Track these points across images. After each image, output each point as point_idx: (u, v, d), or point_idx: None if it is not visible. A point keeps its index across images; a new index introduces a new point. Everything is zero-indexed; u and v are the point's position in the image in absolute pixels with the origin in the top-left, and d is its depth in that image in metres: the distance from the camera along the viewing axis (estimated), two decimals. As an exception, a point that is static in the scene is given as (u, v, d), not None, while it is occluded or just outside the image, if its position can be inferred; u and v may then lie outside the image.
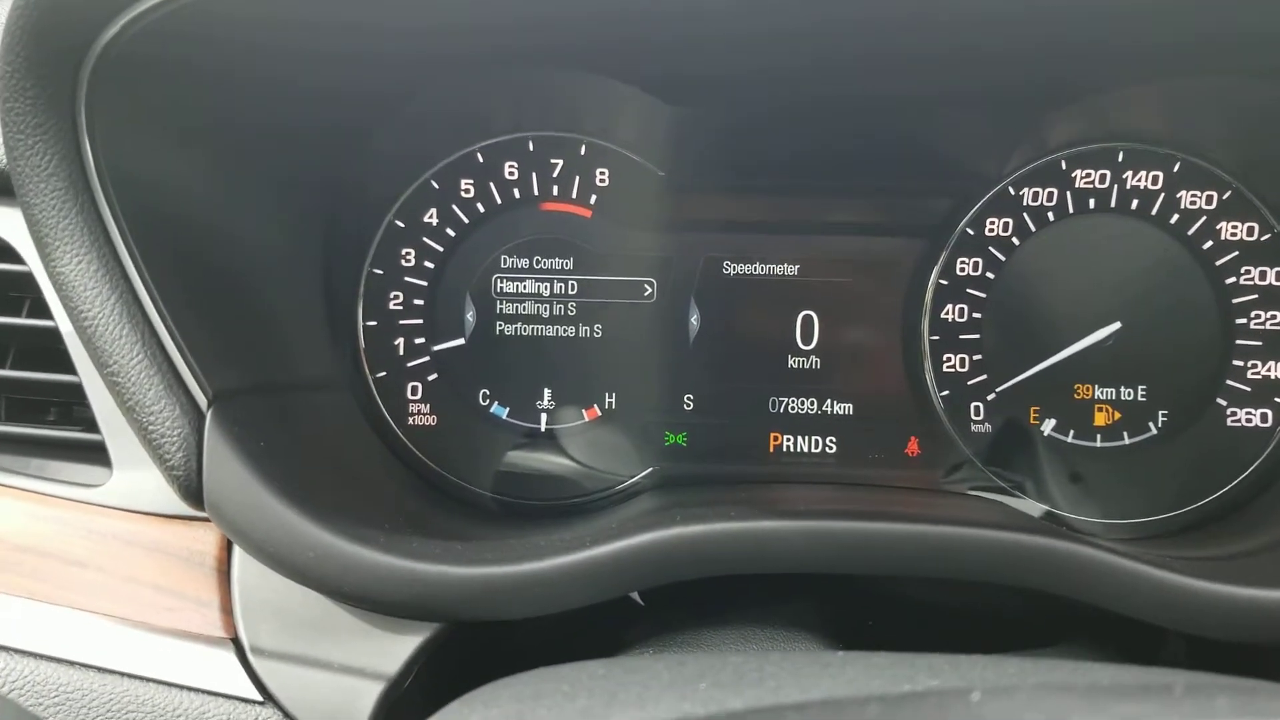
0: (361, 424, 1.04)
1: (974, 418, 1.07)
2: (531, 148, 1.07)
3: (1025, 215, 1.06)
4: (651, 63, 0.95)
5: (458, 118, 1.05)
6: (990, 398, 1.07)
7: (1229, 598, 0.76)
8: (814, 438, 1.08)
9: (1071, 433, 1.06)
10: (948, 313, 1.07)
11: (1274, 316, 1.04)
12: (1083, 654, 0.90)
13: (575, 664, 0.58)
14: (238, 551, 0.82)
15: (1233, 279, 1.04)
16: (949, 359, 1.07)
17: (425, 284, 1.07)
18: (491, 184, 1.07)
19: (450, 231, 1.08)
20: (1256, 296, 1.04)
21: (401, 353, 1.07)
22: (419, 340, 1.08)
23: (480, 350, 1.08)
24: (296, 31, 0.79)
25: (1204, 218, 1.04)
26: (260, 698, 0.78)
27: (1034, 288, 1.06)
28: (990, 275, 1.07)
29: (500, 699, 0.54)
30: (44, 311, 0.89)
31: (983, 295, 1.07)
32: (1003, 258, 1.07)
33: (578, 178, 1.07)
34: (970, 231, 1.07)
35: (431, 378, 1.08)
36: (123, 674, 0.79)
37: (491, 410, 1.08)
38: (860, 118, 1.05)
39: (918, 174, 1.07)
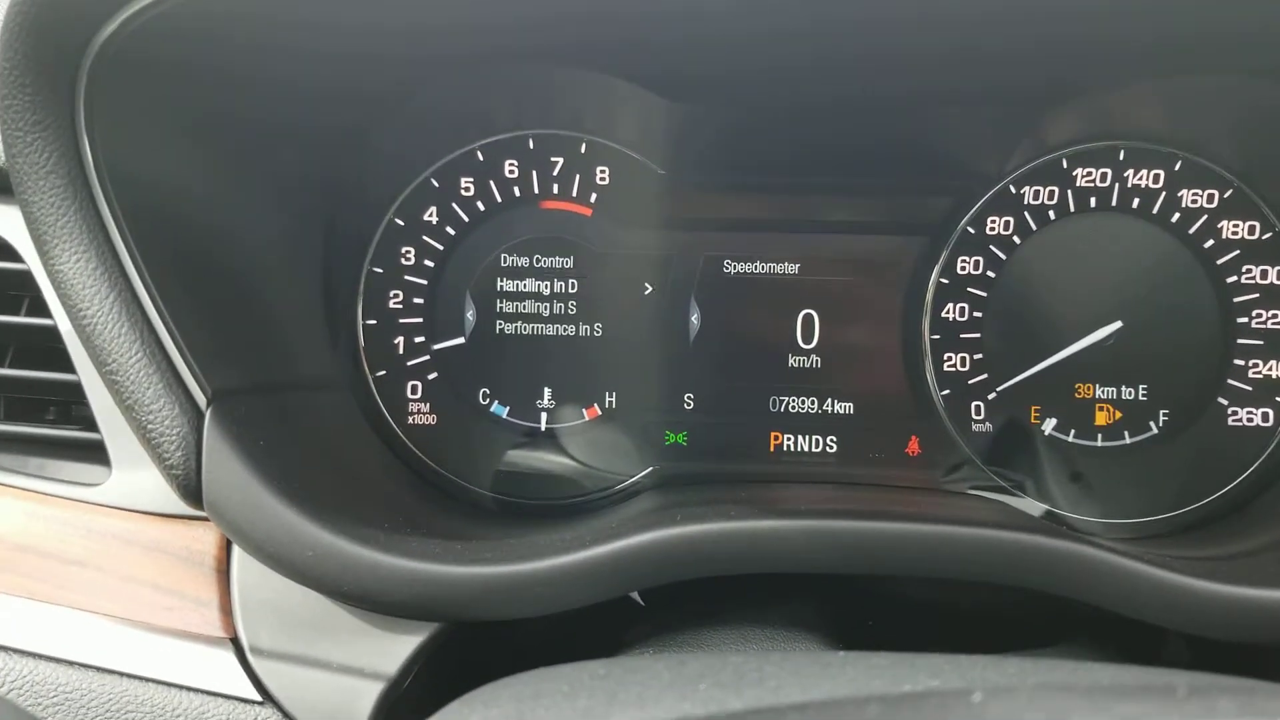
0: (361, 423, 1.04)
1: (974, 417, 1.07)
2: (532, 146, 1.07)
3: (1026, 214, 1.06)
4: (652, 62, 0.95)
5: (458, 116, 1.05)
6: (991, 397, 1.06)
7: (1230, 598, 0.76)
8: (814, 437, 1.07)
9: (1072, 432, 1.06)
10: (948, 312, 1.07)
11: (1275, 315, 1.04)
12: (1083, 654, 0.90)
13: (575, 664, 0.58)
14: (237, 551, 0.82)
15: (1234, 278, 1.04)
16: (949, 358, 1.07)
17: (425, 283, 1.07)
18: (491, 182, 1.07)
19: (450, 230, 1.07)
20: (1257, 295, 1.04)
21: (401, 352, 1.07)
22: (419, 339, 1.07)
23: (480, 349, 1.08)
24: (296, 30, 0.79)
25: (1205, 216, 1.04)
26: (259, 698, 0.78)
27: (1035, 287, 1.06)
28: (991, 274, 1.07)
29: (500, 699, 0.54)
30: (43, 310, 0.89)
31: (983, 294, 1.07)
32: (1004, 256, 1.07)
33: (578, 176, 1.07)
34: (971, 230, 1.07)
35: (431, 377, 1.08)
36: (122, 674, 0.78)
37: (491, 409, 1.08)
38: (861, 116, 1.04)
39: (918, 173, 1.07)
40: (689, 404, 1.08)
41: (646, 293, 1.08)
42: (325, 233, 1.03)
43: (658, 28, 0.84)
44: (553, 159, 1.07)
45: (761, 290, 1.07)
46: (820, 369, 1.07)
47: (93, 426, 0.88)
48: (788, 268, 1.07)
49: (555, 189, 1.07)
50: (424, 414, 1.07)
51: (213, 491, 0.73)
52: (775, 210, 1.08)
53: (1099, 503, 1.05)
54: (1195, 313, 1.04)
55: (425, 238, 1.07)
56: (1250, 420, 1.04)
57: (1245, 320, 1.04)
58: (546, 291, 1.08)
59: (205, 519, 0.78)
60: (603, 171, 1.07)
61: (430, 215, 1.07)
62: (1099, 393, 1.05)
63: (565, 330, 1.08)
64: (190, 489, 0.74)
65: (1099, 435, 1.05)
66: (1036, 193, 1.06)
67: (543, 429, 1.08)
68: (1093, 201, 1.06)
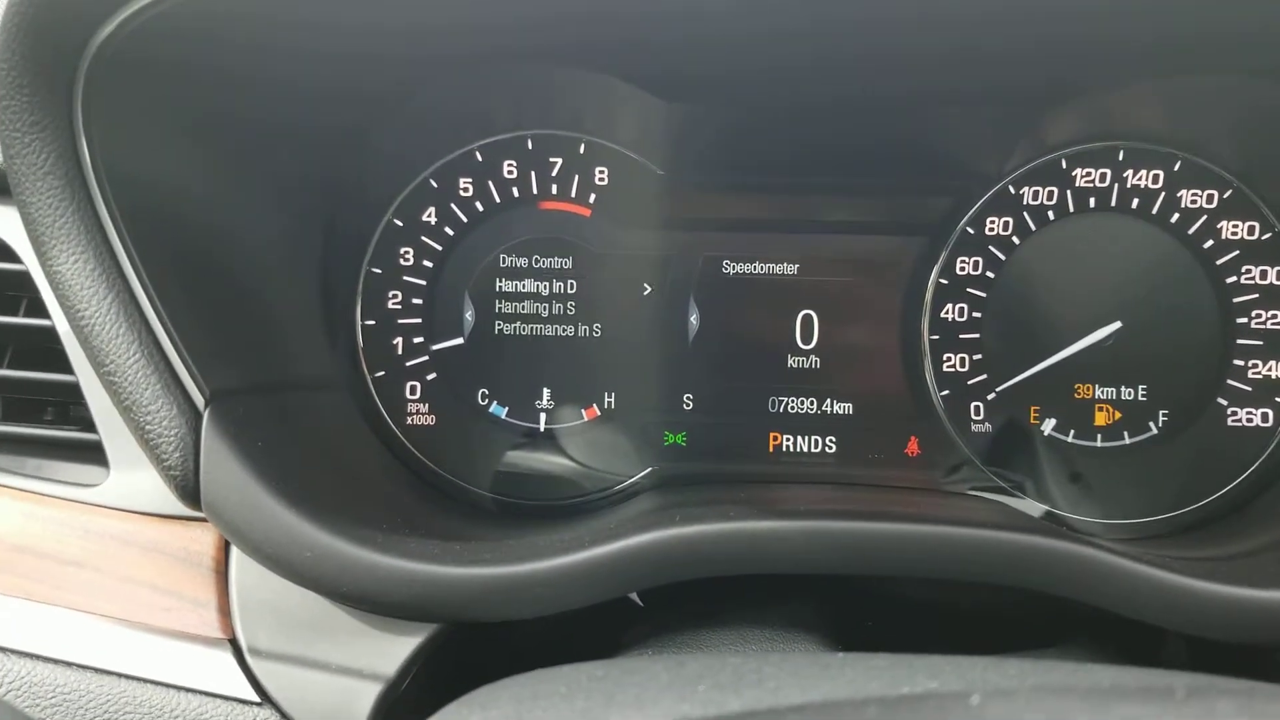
0: (360, 424, 1.03)
1: (974, 417, 1.07)
2: (530, 146, 1.07)
3: (1025, 214, 1.06)
4: (652, 62, 0.95)
5: (457, 117, 1.05)
6: (990, 397, 1.06)
7: (1229, 598, 0.76)
8: (813, 437, 1.07)
9: (1072, 432, 1.06)
10: (947, 312, 1.07)
11: (1274, 316, 1.04)
12: (1083, 655, 0.90)
13: (573, 665, 0.58)
14: (235, 552, 0.82)
15: (1233, 278, 1.04)
16: (949, 358, 1.07)
17: (424, 283, 1.07)
18: (490, 183, 1.07)
19: (449, 230, 1.07)
20: (1257, 296, 1.04)
21: (400, 352, 1.07)
22: (418, 339, 1.07)
23: (479, 350, 1.08)
24: (295, 30, 0.79)
25: (1204, 217, 1.04)
26: (258, 699, 0.78)
27: (1034, 287, 1.06)
28: (990, 274, 1.07)
29: (498, 700, 0.54)
30: (41, 311, 0.89)
31: (983, 294, 1.07)
32: (1003, 257, 1.06)
33: (577, 176, 1.07)
34: (970, 230, 1.07)
35: (430, 377, 1.08)
36: (119, 675, 0.78)
37: (490, 410, 1.08)
38: (860, 117, 1.04)
39: (918, 173, 1.07)
40: (688, 404, 1.07)
41: (645, 293, 1.07)
42: (324, 233, 1.03)
43: (658, 28, 0.84)
44: (551, 159, 1.07)
45: (760, 290, 1.07)
46: (819, 369, 1.07)
47: (91, 427, 0.88)
48: (787, 268, 1.07)
49: (554, 189, 1.07)
50: (423, 414, 1.07)
51: (211, 492, 0.73)
52: (774, 210, 1.08)
53: (1098, 503, 1.05)
54: (1195, 313, 1.04)
55: (424, 238, 1.07)
56: (1250, 420, 1.04)
57: (1245, 320, 1.04)
58: (545, 292, 1.08)
59: (203, 520, 0.77)
60: (601, 172, 1.07)
61: (429, 216, 1.07)
62: (1098, 393, 1.05)
63: (564, 331, 1.08)
64: (188, 490, 0.73)
65: (1098, 436, 1.05)
66: (1036, 193, 1.06)
67: (542, 429, 1.07)
68: (1092, 202, 1.06)
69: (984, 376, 1.06)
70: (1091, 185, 1.05)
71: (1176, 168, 1.04)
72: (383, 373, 1.07)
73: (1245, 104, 0.99)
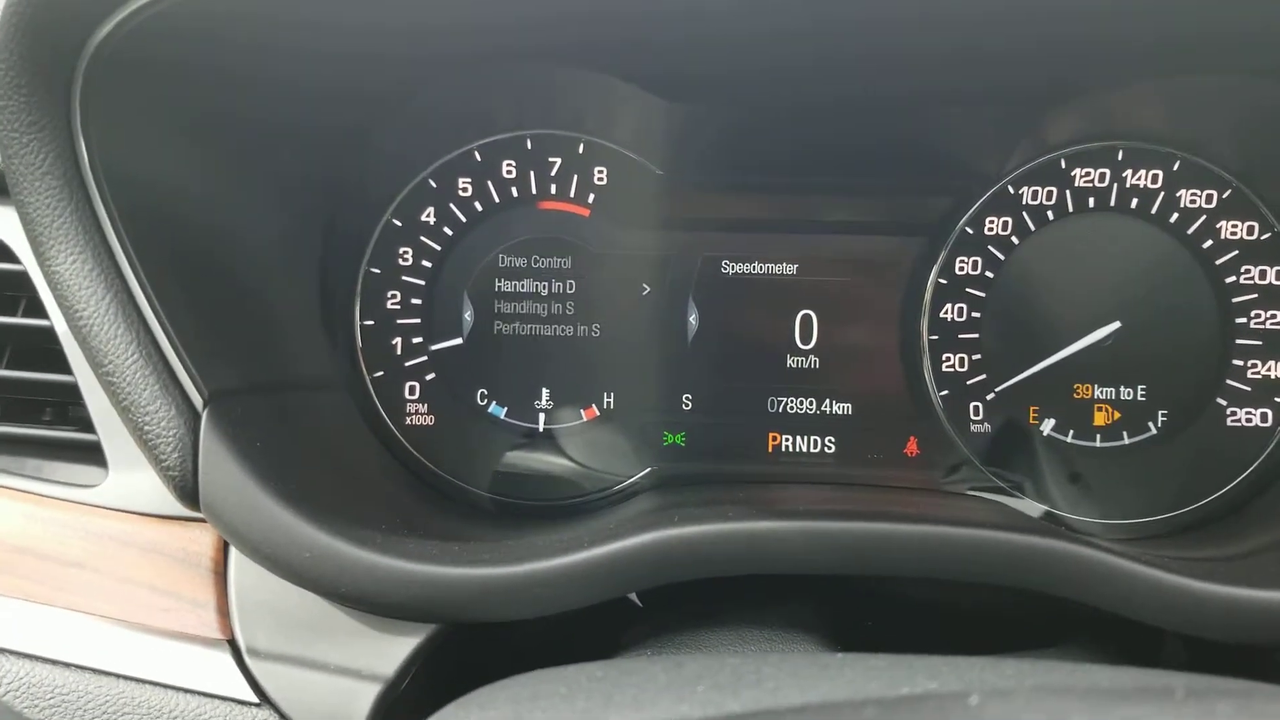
0: (359, 424, 1.03)
1: (973, 417, 1.07)
2: (529, 146, 1.07)
3: (1025, 214, 1.06)
4: (653, 62, 0.95)
5: (457, 116, 1.05)
6: (989, 397, 1.06)
7: (1228, 599, 0.76)
8: (813, 437, 1.07)
9: (1071, 432, 1.06)
10: (947, 312, 1.07)
11: (1274, 316, 1.04)
12: (1082, 655, 0.90)
13: (573, 666, 0.58)
14: (234, 552, 0.82)
15: (1232, 278, 1.04)
16: (948, 358, 1.07)
17: (423, 283, 1.07)
18: (489, 183, 1.07)
19: (448, 230, 1.07)
20: (1256, 296, 1.04)
21: (399, 352, 1.07)
22: (416, 340, 1.07)
23: (478, 350, 1.08)
24: (295, 30, 0.79)
25: (1204, 217, 1.04)
26: (256, 699, 0.78)
27: (1033, 287, 1.06)
28: (989, 274, 1.07)
29: (497, 701, 0.54)
30: (39, 311, 0.89)
31: (982, 294, 1.07)
32: (1002, 257, 1.06)
33: (576, 176, 1.07)
34: (969, 230, 1.06)
35: (429, 377, 1.07)
36: (118, 676, 0.78)
37: (489, 410, 1.08)
38: (860, 116, 1.04)
39: (917, 173, 1.07)
40: (687, 404, 1.07)
41: (644, 293, 1.07)
42: (323, 233, 1.02)
43: (658, 28, 0.84)
44: (550, 159, 1.07)
45: (760, 291, 1.07)
46: (818, 369, 1.07)
47: (89, 427, 0.88)
48: (786, 268, 1.07)
49: (553, 189, 1.07)
50: (422, 415, 1.07)
51: (209, 493, 0.73)
52: (773, 210, 1.07)
53: (1097, 503, 1.05)
54: (1194, 313, 1.04)
55: (423, 238, 1.07)
56: (1249, 421, 1.04)
57: (1244, 320, 1.04)
58: (544, 292, 1.08)
59: (202, 520, 0.77)
60: (600, 172, 1.07)
61: (428, 216, 1.07)
62: (1098, 393, 1.05)
63: (563, 331, 1.08)
64: (187, 490, 0.73)
65: (1098, 436, 1.05)
66: (1035, 193, 1.06)
67: (541, 430, 1.07)
68: (1091, 202, 1.05)
69: (983, 376, 1.06)
70: (1091, 185, 1.05)
71: (1176, 168, 1.04)
72: (381, 373, 1.07)
73: (1245, 104, 0.99)
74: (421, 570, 0.74)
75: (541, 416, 1.07)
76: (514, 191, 1.07)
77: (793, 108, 1.04)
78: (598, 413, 1.08)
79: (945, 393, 1.07)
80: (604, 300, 1.07)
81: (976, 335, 1.07)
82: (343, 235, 1.04)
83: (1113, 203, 1.05)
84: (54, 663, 0.79)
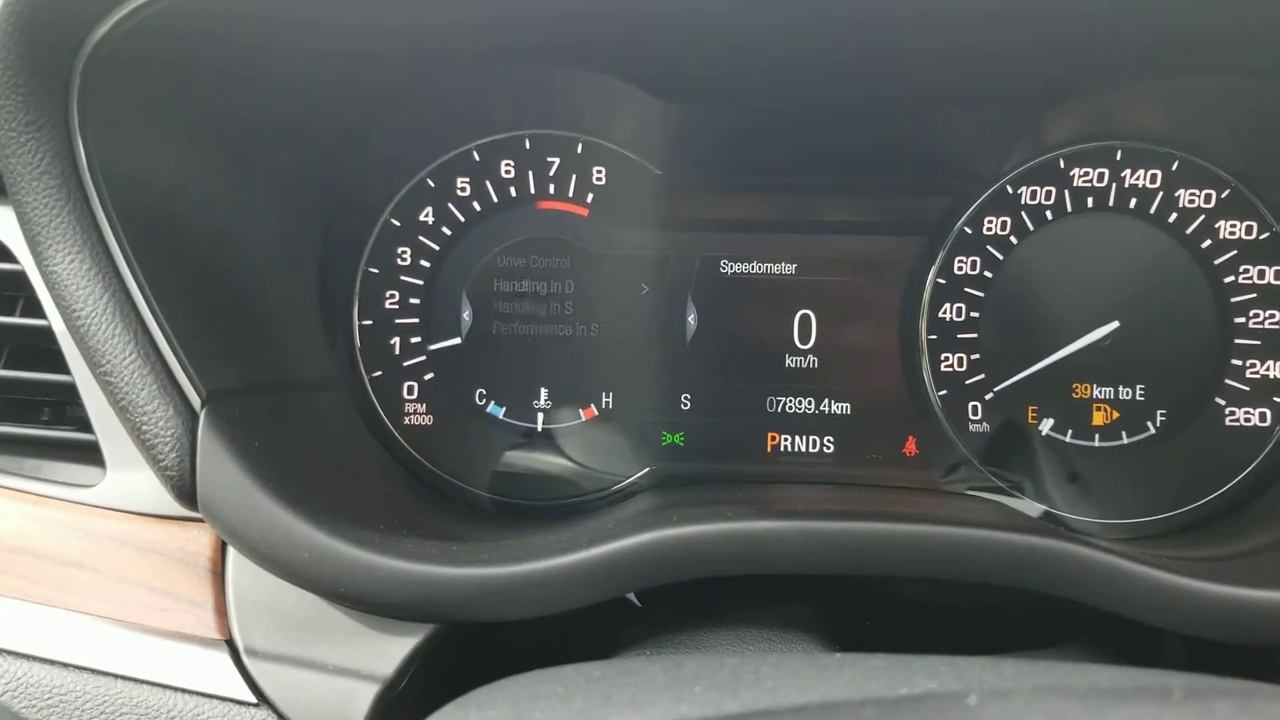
0: (357, 424, 1.03)
1: (972, 417, 1.07)
2: (528, 146, 1.07)
3: (1023, 214, 1.06)
4: (651, 62, 0.95)
5: (455, 116, 1.05)
6: (988, 397, 1.06)
7: (1227, 598, 0.76)
8: (812, 437, 1.07)
9: (1070, 432, 1.06)
10: (945, 312, 1.07)
11: (1272, 316, 1.04)
12: (1081, 655, 0.90)
13: (571, 666, 0.58)
14: (232, 552, 0.82)
15: (1231, 278, 1.04)
16: (947, 358, 1.07)
17: (421, 283, 1.07)
18: (488, 183, 1.07)
19: (446, 230, 1.07)
20: (1255, 296, 1.04)
21: (397, 352, 1.07)
22: (415, 339, 1.07)
23: (477, 350, 1.08)
24: (294, 30, 0.79)
25: (1202, 216, 1.04)
26: (255, 699, 0.78)
27: (1032, 287, 1.06)
28: (988, 274, 1.07)
29: (496, 701, 0.54)
30: (37, 311, 0.89)
31: (980, 294, 1.07)
32: (1001, 257, 1.06)
33: (574, 176, 1.07)
34: (968, 230, 1.06)
35: (428, 377, 1.07)
36: (116, 676, 0.78)
37: (488, 410, 1.08)
38: (859, 117, 1.04)
39: (916, 172, 1.07)
40: (686, 404, 1.07)
41: (643, 293, 1.07)
42: (322, 233, 1.02)
43: (657, 28, 0.84)
44: (549, 159, 1.07)
45: (758, 290, 1.07)
46: (817, 369, 1.07)
47: (87, 427, 0.88)
48: (785, 268, 1.07)
49: (552, 189, 1.07)
50: (420, 414, 1.07)
51: (207, 493, 0.73)
52: (772, 210, 1.07)
53: (1096, 503, 1.05)
54: (1193, 313, 1.04)
55: (421, 238, 1.07)
56: (1248, 420, 1.04)
57: (1243, 320, 1.04)
58: (543, 292, 1.07)
59: (200, 520, 0.77)
60: (599, 172, 1.07)
61: (426, 216, 1.07)
62: (1096, 393, 1.05)
63: (562, 331, 1.07)
64: (185, 490, 0.73)
65: (1096, 435, 1.05)
66: (1034, 193, 1.06)
67: (539, 429, 1.07)
68: (1090, 202, 1.06)
69: (982, 376, 1.06)
70: (1089, 185, 1.05)
71: (1175, 167, 1.04)
72: (380, 373, 1.07)
73: (1244, 104, 0.99)
74: (420, 570, 0.74)
75: (540, 416, 1.07)
76: (512, 191, 1.07)
77: (791, 108, 1.04)
78: (596, 412, 1.08)
79: (944, 392, 1.07)
80: (603, 300, 1.07)
81: (975, 335, 1.07)
82: (341, 235, 1.04)
83: (1111, 203, 1.05)
84: (52, 663, 0.79)
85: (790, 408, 1.07)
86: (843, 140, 1.06)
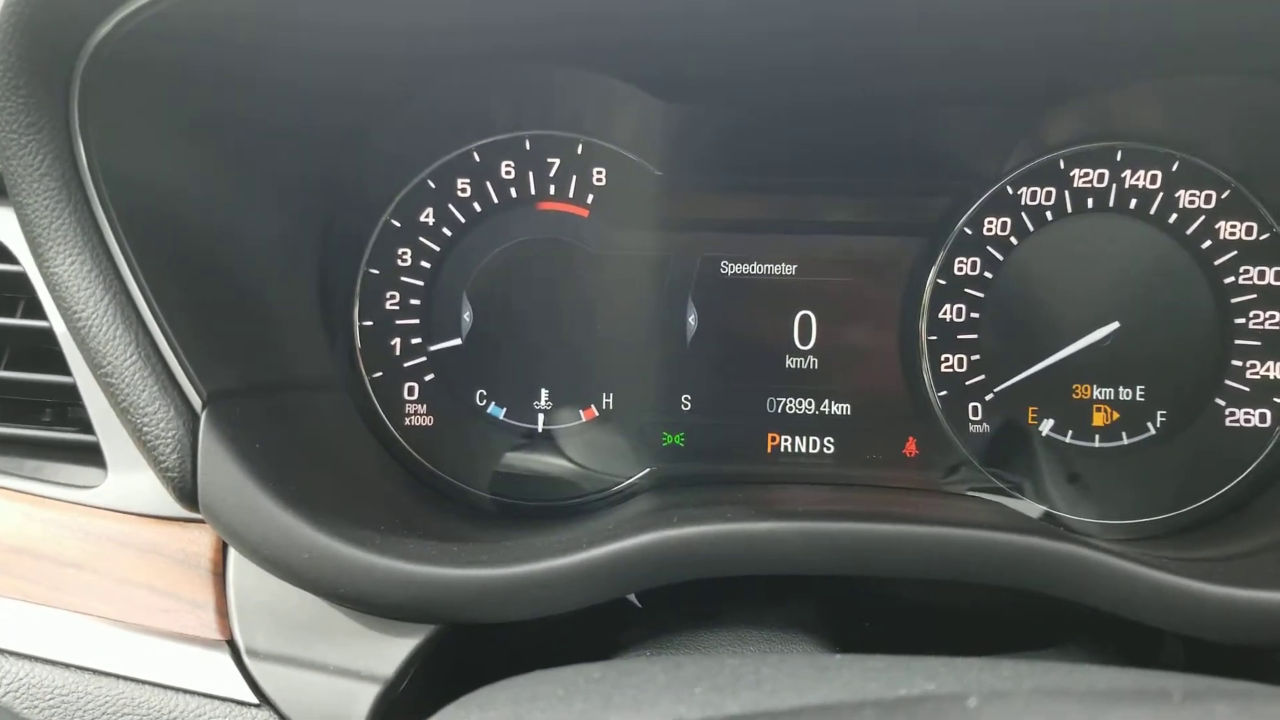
0: (358, 425, 1.03)
1: (972, 418, 1.07)
2: (528, 147, 1.07)
3: (1024, 214, 1.06)
4: (651, 62, 0.95)
5: (455, 117, 1.05)
6: (988, 398, 1.06)
7: (1226, 599, 0.76)
8: (812, 438, 1.07)
9: (1070, 433, 1.06)
10: (946, 312, 1.07)
11: (1273, 316, 1.04)
12: (1080, 656, 0.90)
13: (571, 667, 0.58)
14: (233, 553, 0.82)
15: (1231, 279, 1.04)
16: (947, 359, 1.07)
17: (422, 284, 1.07)
18: (488, 183, 1.07)
19: (447, 231, 1.07)
20: (1255, 296, 1.04)
21: (398, 353, 1.07)
22: (415, 340, 1.07)
23: (477, 350, 1.08)
24: (294, 30, 0.79)
25: (1203, 217, 1.04)
26: (256, 700, 0.78)
27: (1032, 287, 1.06)
28: (988, 275, 1.07)
29: (496, 702, 0.54)
30: (38, 312, 0.89)
31: (981, 295, 1.07)
32: (1001, 257, 1.06)
33: (575, 177, 1.07)
34: (968, 231, 1.06)
35: (428, 378, 1.07)
36: (117, 676, 0.78)
37: (489, 411, 1.08)
38: (859, 117, 1.04)
39: (916, 173, 1.07)
40: (686, 405, 1.07)
41: (643, 294, 1.07)
42: (322, 234, 1.02)
43: (657, 28, 0.84)
44: (549, 160, 1.07)
45: (759, 291, 1.07)
46: (818, 370, 1.07)
47: (88, 429, 0.88)
48: (785, 268, 1.07)
49: (552, 190, 1.07)
50: (421, 415, 1.07)
51: (208, 494, 0.73)
52: (772, 211, 1.07)
53: (1096, 504, 1.05)
54: (1193, 313, 1.04)
55: (422, 239, 1.07)
56: (1248, 421, 1.04)
57: (1243, 321, 1.04)
58: (543, 293, 1.07)
59: (201, 521, 0.77)
60: (599, 172, 1.07)
61: (427, 216, 1.07)
62: (1096, 393, 1.05)
63: (562, 332, 1.07)
64: (186, 491, 0.73)
65: (1096, 436, 1.05)
66: (1034, 193, 1.06)
67: (540, 430, 1.07)
68: (1090, 202, 1.05)
69: (982, 377, 1.07)
70: (1090, 186, 1.05)
71: (1175, 168, 1.04)
72: (381, 373, 1.07)
73: (1244, 104, 0.99)
74: (420, 571, 0.74)
75: (541, 417, 1.07)
76: (513, 192, 1.07)
77: (791, 108, 1.04)
78: (597, 413, 1.08)
79: (944, 393, 1.07)
80: (603, 301, 1.07)
81: (975, 336, 1.07)
82: (342, 236, 1.04)
83: (1111, 203, 1.05)
84: (54, 663, 0.79)
85: (790, 408, 1.07)
86: (843, 140, 1.06)
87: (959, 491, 1.06)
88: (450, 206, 1.07)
